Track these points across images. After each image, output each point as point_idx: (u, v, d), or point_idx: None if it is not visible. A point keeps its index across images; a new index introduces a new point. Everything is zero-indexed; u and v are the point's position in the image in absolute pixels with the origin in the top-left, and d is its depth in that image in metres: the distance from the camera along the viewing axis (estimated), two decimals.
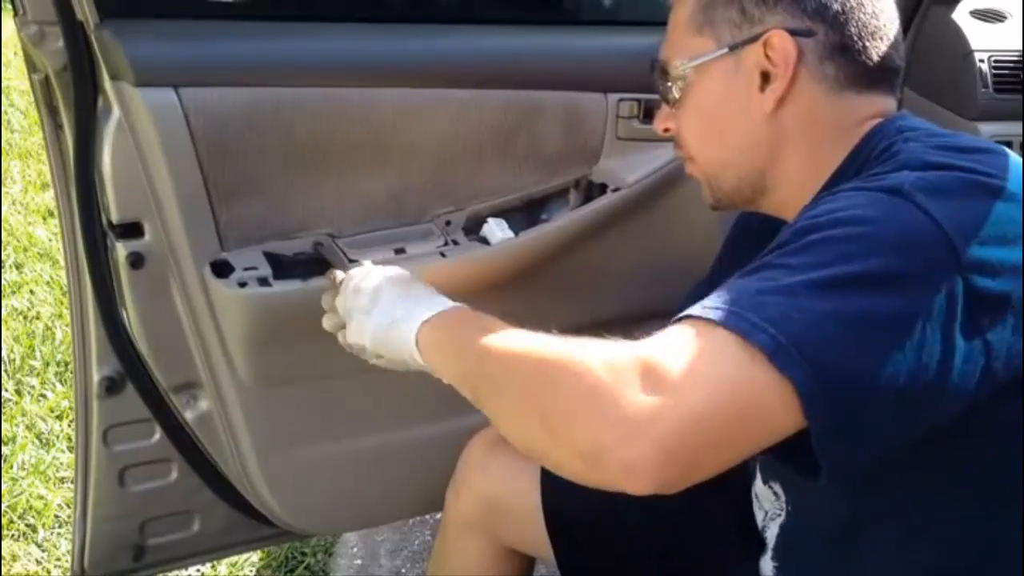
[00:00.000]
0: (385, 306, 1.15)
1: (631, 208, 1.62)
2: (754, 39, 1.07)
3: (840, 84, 1.07)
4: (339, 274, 1.27)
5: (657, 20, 1.66)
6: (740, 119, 1.10)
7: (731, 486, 1.29)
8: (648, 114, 1.59)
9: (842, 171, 1.06)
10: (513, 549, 1.51)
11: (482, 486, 1.49)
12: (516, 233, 1.55)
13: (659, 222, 1.66)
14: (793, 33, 1.05)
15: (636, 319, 1.77)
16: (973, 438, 0.94)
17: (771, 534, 1.22)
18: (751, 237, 1.25)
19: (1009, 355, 0.89)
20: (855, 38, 1.07)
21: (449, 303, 1.12)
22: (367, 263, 1.28)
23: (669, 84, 1.16)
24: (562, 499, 1.43)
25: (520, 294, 1.62)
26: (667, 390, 0.80)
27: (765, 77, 1.07)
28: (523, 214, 1.60)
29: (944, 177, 0.92)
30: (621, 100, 1.58)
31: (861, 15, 1.07)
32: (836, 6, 1.06)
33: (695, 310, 0.86)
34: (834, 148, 1.07)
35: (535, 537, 1.45)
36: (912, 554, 1.03)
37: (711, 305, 0.86)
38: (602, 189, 1.61)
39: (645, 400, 0.80)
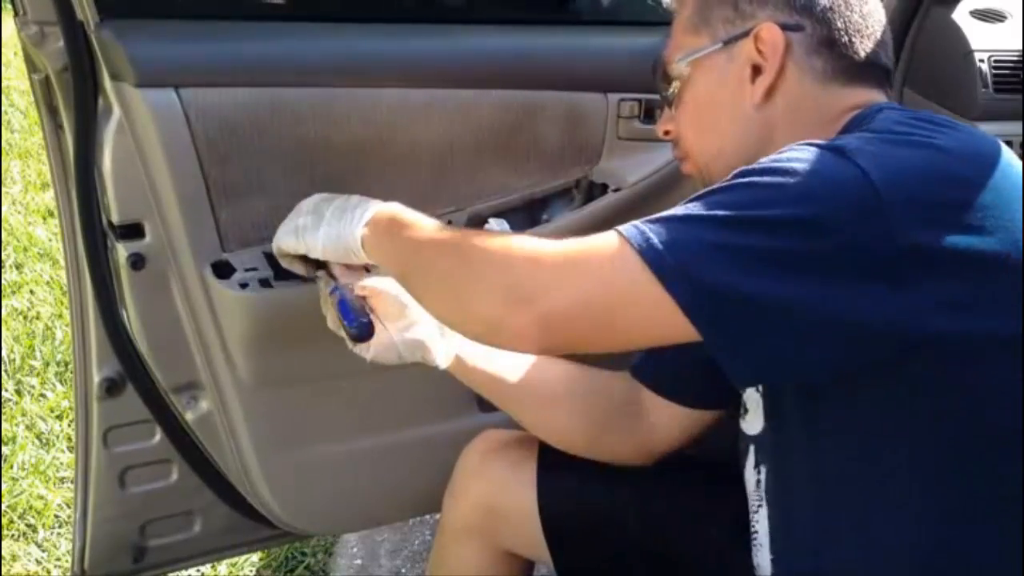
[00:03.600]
0: (329, 220, 1.25)
1: (632, 208, 1.61)
2: (745, 33, 1.14)
3: (827, 76, 1.13)
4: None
5: (657, 20, 1.67)
6: (732, 109, 1.16)
7: (726, 482, 1.30)
8: (649, 114, 1.59)
9: None
10: (511, 553, 1.50)
11: (479, 492, 1.48)
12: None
13: None
14: (782, 27, 1.11)
15: None
16: (921, 412, 0.98)
17: (761, 528, 1.22)
18: None
19: (924, 313, 0.93)
20: (842, 33, 1.12)
21: (381, 204, 1.23)
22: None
23: (668, 84, 1.22)
24: (558, 502, 1.44)
25: None
26: (558, 277, 1.00)
27: (756, 70, 1.14)
28: (524, 214, 1.60)
29: (894, 139, 0.98)
30: (622, 100, 1.58)
31: (848, 12, 1.13)
32: (824, 2, 1.12)
33: (621, 226, 1.00)
34: (820, 135, 1.09)
35: (533, 540, 1.45)
36: (881, 536, 1.04)
37: (633, 223, 0.99)
38: (603, 189, 1.61)
39: (538, 281, 1.00)
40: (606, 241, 0.99)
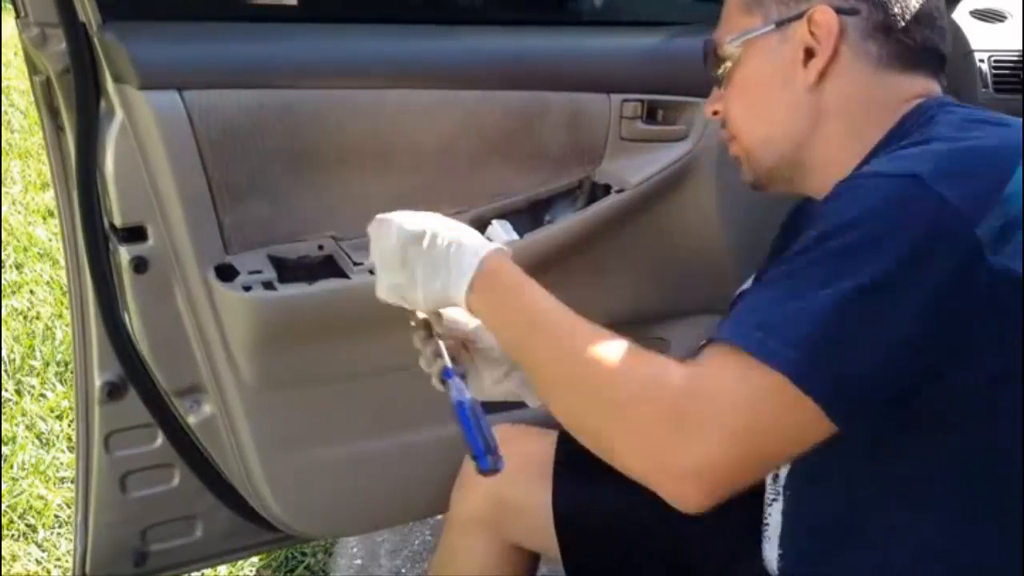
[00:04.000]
0: (423, 280, 1.11)
1: (635, 209, 1.61)
2: (799, 15, 1.11)
3: (882, 62, 1.10)
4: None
5: (659, 20, 1.67)
6: (783, 93, 1.13)
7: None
8: (651, 115, 1.59)
9: (880, 150, 1.07)
10: (518, 546, 1.51)
11: (489, 483, 1.47)
12: (520, 235, 1.55)
13: (663, 223, 1.65)
14: (837, 11, 1.09)
15: (641, 319, 1.78)
16: (969, 426, 0.97)
17: (773, 521, 1.22)
18: (803, 223, 1.26)
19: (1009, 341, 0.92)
20: (898, 18, 1.10)
21: (475, 255, 1.07)
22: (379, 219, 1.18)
23: (718, 64, 1.20)
24: (574, 499, 1.45)
25: None
26: (704, 434, 0.91)
27: (809, 53, 1.11)
28: (527, 215, 1.59)
29: (965, 154, 0.96)
30: (625, 101, 1.57)
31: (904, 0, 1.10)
32: None
33: (725, 332, 0.94)
34: (873, 126, 1.09)
35: (542, 535, 1.46)
36: (912, 537, 1.03)
37: (739, 327, 0.93)
38: (606, 190, 1.60)
39: (685, 448, 0.91)
40: (725, 365, 0.93)
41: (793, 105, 1.13)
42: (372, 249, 1.17)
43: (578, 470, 1.45)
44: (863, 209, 0.93)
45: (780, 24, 1.13)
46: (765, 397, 0.90)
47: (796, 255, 0.96)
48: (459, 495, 1.54)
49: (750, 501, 1.33)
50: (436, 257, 1.09)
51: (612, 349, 0.98)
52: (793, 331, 0.90)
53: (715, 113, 1.24)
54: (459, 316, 1.20)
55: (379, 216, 1.17)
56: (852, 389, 0.90)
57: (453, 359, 1.16)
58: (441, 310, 1.17)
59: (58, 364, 2.94)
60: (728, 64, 1.18)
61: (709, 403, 0.92)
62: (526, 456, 1.48)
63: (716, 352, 0.95)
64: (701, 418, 0.91)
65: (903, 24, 1.10)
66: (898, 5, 1.10)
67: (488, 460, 1.07)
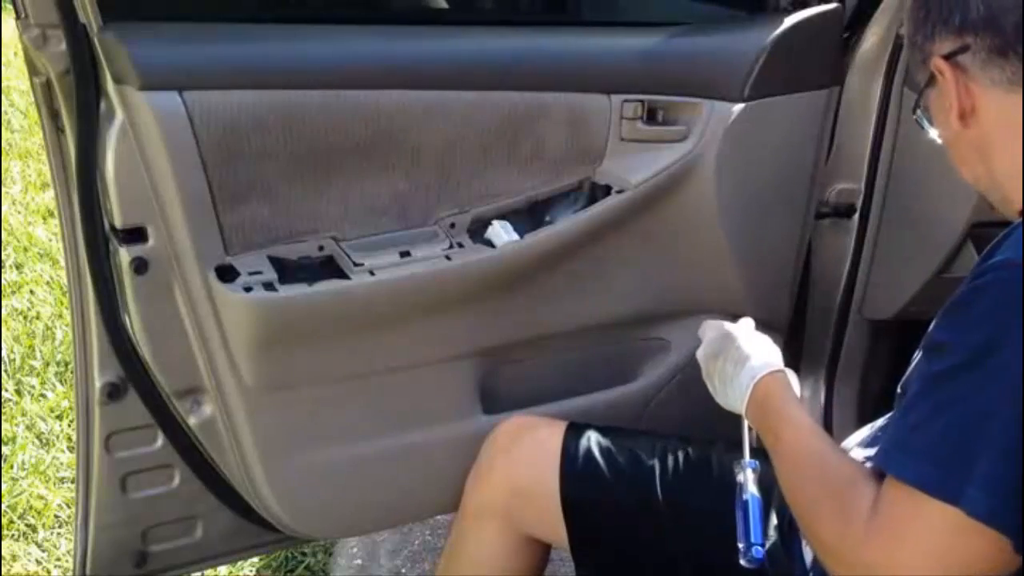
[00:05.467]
0: (719, 389, 1.38)
1: (635, 209, 1.61)
2: (932, 76, 1.13)
3: (1012, 82, 1.08)
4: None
5: (659, 20, 1.67)
6: (949, 135, 1.15)
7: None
8: (651, 115, 1.59)
9: None
10: (530, 537, 1.52)
11: (505, 470, 1.52)
12: (521, 235, 1.55)
13: (663, 223, 1.65)
14: (946, 57, 1.09)
15: (641, 319, 1.78)
16: None
17: None
18: None
19: None
20: (1010, 37, 1.07)
21: (760, 373, 1.30)
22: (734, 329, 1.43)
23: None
24: (581, 491, 1.47)
25: (526, 296, 1.62)
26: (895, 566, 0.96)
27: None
28: (527, 216, 1.59)
29: None
30: (625, 101, 1.57)
31: (1011, 15, 1.07)
32: (979, 13, 1.07)
33: (908, 471, 0.96)
34: None
35: (552, 525, 1.48)
36: None
37: (921, 464, 0.96)
38: (606, 191, 1.60)
39: None
40: (913, 507, 0.96)
41: (962, 144, 1.14)
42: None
43: (586, 462, 1.47)
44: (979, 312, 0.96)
45: (924, 88, 1.16)
46: (960, 540, 0.94)
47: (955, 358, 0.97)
48: (473, 485, 1.55)
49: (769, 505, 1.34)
50: (725, 376, 1.36)
51: (816, 488, 1.09)
52: (978, 468, 0.92)
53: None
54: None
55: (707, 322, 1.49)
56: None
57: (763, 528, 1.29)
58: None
59: (58, 364, 2.94)
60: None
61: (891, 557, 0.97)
62: (537, 445, 1.51)
63: (894, 492, 0.98)
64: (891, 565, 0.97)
65: (1018, 40, 1.06)
66: (1008, 23, 1.07)
67: (761, 551, 1.22)
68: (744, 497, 1.28)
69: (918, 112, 1.21)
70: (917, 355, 1.12)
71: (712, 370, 1.39)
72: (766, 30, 1.60)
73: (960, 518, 0.91)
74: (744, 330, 1.41)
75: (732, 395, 1.33)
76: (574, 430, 1.52)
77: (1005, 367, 0.91)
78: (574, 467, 1.48)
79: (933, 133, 1.19)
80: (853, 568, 1.00)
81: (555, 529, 1.48)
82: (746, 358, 1.33)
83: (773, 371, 1.30)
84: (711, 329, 1.45)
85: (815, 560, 1.24)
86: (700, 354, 1.44)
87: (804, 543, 1.28)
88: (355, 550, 2.34)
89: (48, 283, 3.43)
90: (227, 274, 1.39)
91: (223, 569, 2.21)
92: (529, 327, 1.67)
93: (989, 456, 0.91)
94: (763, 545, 1.23)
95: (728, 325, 1.42)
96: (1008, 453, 0.90)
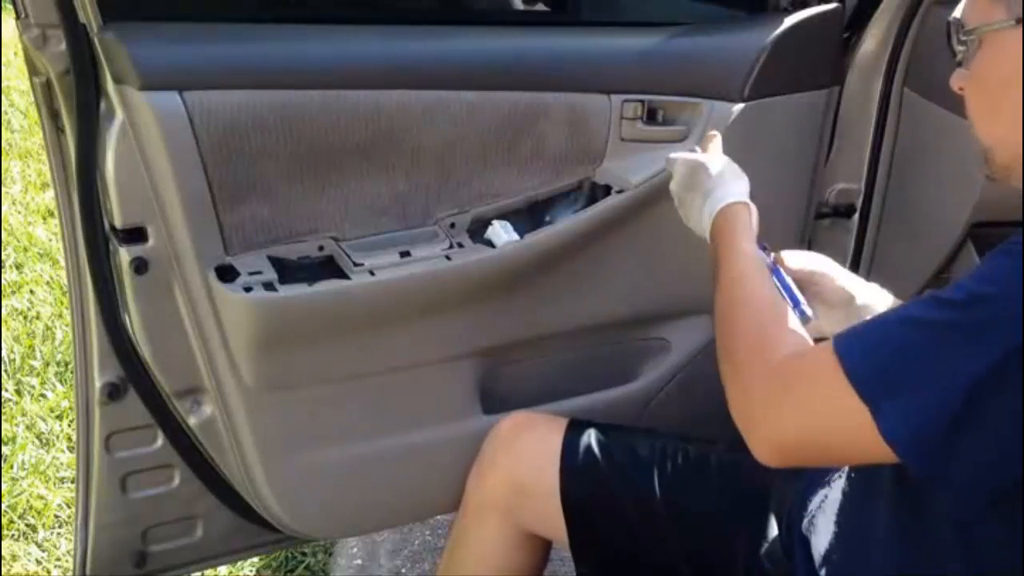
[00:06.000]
0: (688, 202, 1.39)
1: (635, 210, 1.61)
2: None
3: None
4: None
5: (659, 20, 1.67)
6: (1018, 94, 1.00)
7: (763, 483, 1.32)
8: (651, 115, 1.59)
9: None
10: (530, 533, 1.52)
11: (506, 465, 1.52)
12: (521, 235, 1.55)
13: (663, 223, 1.65)
14: None
15: (641, 319, 1.78)
16: None
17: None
18: None
19: None
20: None
21: (728, 198, 1.32)
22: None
23: (960, 46, 1.08)
24: (581, 488, 1.47)
25: (526, 296, 1.62)
26: (787, 407, 1.02)
27: None
28: (527, 216, 1.59)
29: None
30: (625, 101, 1.57)
31: None
32: None
33: (846, 351, 0.97)
34: None
35: (552, 522, 1.48)
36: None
37: (862, 354, 0.97)
38: (606, 191, 1.60)
39: (771, 409, 1.03)
40: (831, 368, 0.98)
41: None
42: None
43: (586, 459, 1.47)
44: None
45: (1020, 21, 0.99)
46: (842, 415, 0.96)
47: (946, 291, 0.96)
48: (475, 481, 1.56)
49: (766, 501, 1.34)
50: (693, 206, 1.37)
51: (758, 311, 1.15)
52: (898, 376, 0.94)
53: (961, 90, 1.11)
54: (805, 262, 1.34)
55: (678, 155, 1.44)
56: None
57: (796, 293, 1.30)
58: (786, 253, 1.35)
59: (58, 364, 2.94)
60: (968, 47, 1.05)
61: (796, 392, 1.01)
62: (538, 441, 1.51)
63: (825, 353, 0.99)
64: (786, 401, 1.01)
65: None
66: None
67: (805, 311, 1.23)
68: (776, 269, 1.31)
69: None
70: None
71: (684, 201, 1.40)
72: (766, 30, 1.60)
73: (860, 415, 0.94)
74: (713, 160, 1.39)
75: (697, 224, 1.36)
76: (575, 427, 1.52)
77: (993, 327, 0.89)
78: (574, 464, 1.48)
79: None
80: (742, 394, 1.07)
81: (555, 526, 1.48)
82: (712, 189, 1.34)
83: (733, 202, 1.31)
84: (681, 163, 1.42)
85: (821, 562, 1.24)
86: (673, 187, 1.43)
87: (804, 546, 1.27)
88: (355, 550, 2.34)
89: (48, 283, 3.43)
90: (227, 274, 1.39)
91: (223, 569, 2.21)
92: (529, 327, 1.67)
93: (927, 395, 0.91)
94: (802, 304, 1.25)
95: (698, 156, 1.41)
96: (944, 405, 0.89)
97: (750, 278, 1.19)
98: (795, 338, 1.10)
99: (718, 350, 1.16)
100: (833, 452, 1.02)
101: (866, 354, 0.96)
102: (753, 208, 1.32)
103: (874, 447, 0.93)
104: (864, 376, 0.94)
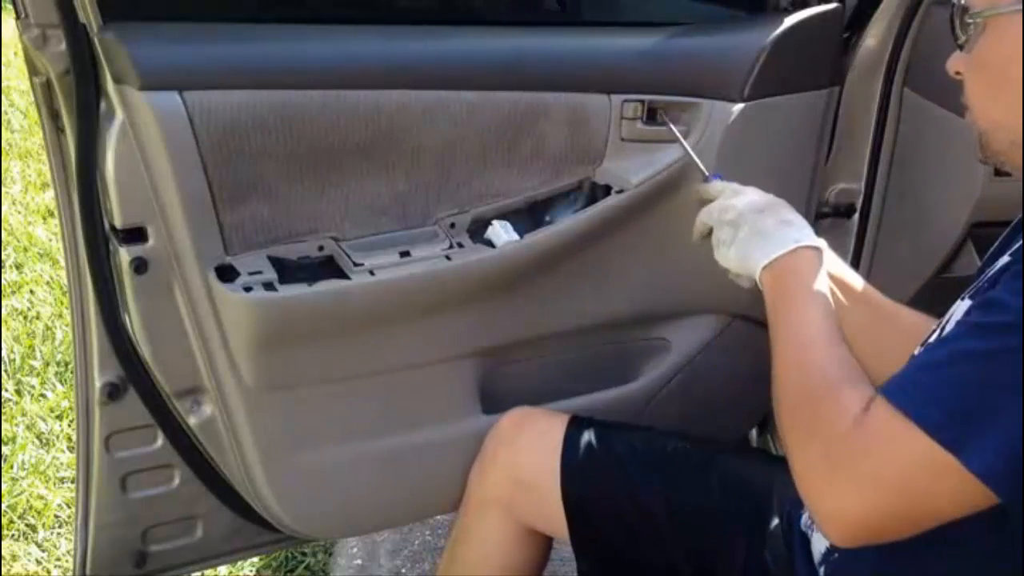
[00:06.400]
0: (739, 242, 1.28)
1: (635, 210, 1.61)
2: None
3: None
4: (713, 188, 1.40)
5: (659, 20, 1.67)
6: (1019, 80, 1.00)
7: (764, 480, 1.31)
8: (651, 115, 1.59)
9: None
10: (532, 529, 1.53)
11: (508, 461, 1.52)
12: (520, 235, 1.55)
13: (663, 223, 1.65)
14: None
15: (641, 319, 1.78)
16: None
17: None
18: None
19: None
20: None
21: (813, 240, 1.24)
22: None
23: (962, 27, 1.08)
24: (581, 485, 1.47)
25: (526, 296, 1.62)
26: (865, 476, 0.97)
27: None
28: (527, 216, 1.59)
29: None
30: (625, 101, 1.57)
31: None
32: None
33: (906, 401, 0.95)
34: None
35: (554, 518, 1.48)
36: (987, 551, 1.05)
37: (925, 400, 0.95)
38: (606, 191, 1.60)
39: (845, 495, 0.98)
40: (899, 431, 0.96)
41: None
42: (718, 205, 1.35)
43: (587, 455, 1.47)
44: None
45: None
46: (931, 477, 0.94)
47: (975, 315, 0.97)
48: (477, 477, 1.56)
49: (768, 498, 1.34)
50: (762, 229, 1.26)
51: (823, 380, 1.06)
52: (978, 427, 0.91)
53: (957, 74, 1.11)
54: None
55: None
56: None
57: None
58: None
59: (58, 364, 2.94)
60: (971, 31, 1.05)
61: (867, 470, 0.97)
62: (539, 437, 1.51)
63: (885, 416, 0.97)
64: (857, 485, 0.97)
65: None
66: None
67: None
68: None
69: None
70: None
71: (746, 221, 1.28)
72: (766, 30, 1.60)
73: (945, 462, 0.92)
74: (763, 196, 1.33)
75: (761, 249, 1.24)
76: (576, 423, 1.52)
77: None
78: (575, 460, 1.48)
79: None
80: (810, 471, 1.01)
81: (556, 522, 1.48)
82: (792, 221, 1.27)
83: (803, 245, 1.23)
84: (731, 192, 1.36)
85: (820, 560, 1.24)
86: (738, 202, 1.32)
87: (804, 544, 1.27)
88: (355, 550, 2.34)
89: (48, 283, 3.43)
90: (227, 274, 1.39)
91: (223, 569, 2.21)
92: (529, 327, 1.67)
93: (1007, 425, 0.89)
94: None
95: (746, 188, 1.36)
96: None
97: (823, 346, 1.11)
98: (860, 403, 1.03)
99: (776, 414, 1.11)
100: (916, 511, 0.98)
101: (931, 401, 0.94)
102: (828, 251, 1.26)
103: (964, 491, 0.92)
104: (939, 423, 0.92)
